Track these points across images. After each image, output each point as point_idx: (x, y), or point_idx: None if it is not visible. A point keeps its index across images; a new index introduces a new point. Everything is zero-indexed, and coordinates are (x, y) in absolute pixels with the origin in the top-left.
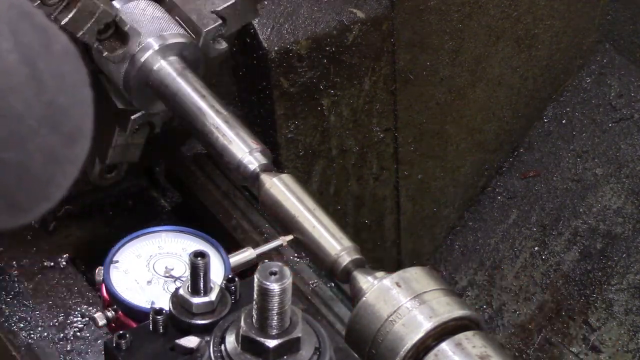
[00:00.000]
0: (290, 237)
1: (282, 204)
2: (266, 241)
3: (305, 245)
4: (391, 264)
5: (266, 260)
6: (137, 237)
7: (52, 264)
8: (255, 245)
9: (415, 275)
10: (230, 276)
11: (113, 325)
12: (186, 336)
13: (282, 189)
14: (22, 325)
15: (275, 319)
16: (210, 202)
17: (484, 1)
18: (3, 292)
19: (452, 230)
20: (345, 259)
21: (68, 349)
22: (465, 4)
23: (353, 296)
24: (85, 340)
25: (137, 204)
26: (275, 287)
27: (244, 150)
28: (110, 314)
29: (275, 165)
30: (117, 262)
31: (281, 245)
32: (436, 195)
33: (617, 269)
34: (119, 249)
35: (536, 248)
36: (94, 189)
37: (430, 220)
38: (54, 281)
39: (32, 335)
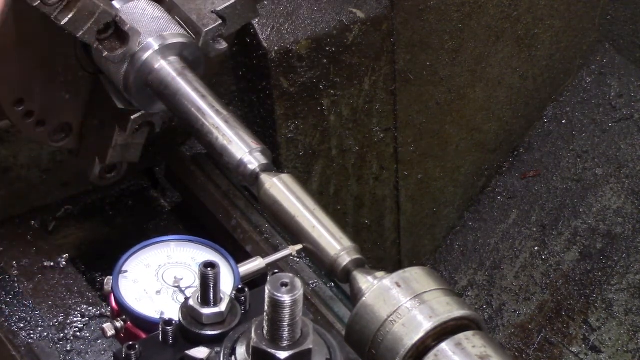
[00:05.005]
0: (299, 247)
1: (282, 204)
2: (266, 241)
3: (305, 245)
4: (391, 264)
5: (277, 271)
6: (146, 246)
7: (52, 264)
8: (256, 246)
9: (415, 275)
10: (240, 286)
11: (122, 335)
12: (196, 347)
13: (282, 189)
14: (22, 325)
15: (287, 330)
16: (210, 202)
17: (484, 1)
18: (3, 292)
19: (452, 230)
20: (345, 259)
21: (68, 349)
22: (465, 4)
23: (353, 296)
24: (85, 340)
25: (137, 204)
26: (286, 298)
27: (244, 150)
28: (119, 324)
29: (275, 165)
30: (126, 272)
31: (290, 255)
32: (436, 195)
33: (617, 269)
34: (127, 258)
35: (536, 248)
36: (94, 189)
37: (430, 220)
38: (54, 281)
39: (32, 335)
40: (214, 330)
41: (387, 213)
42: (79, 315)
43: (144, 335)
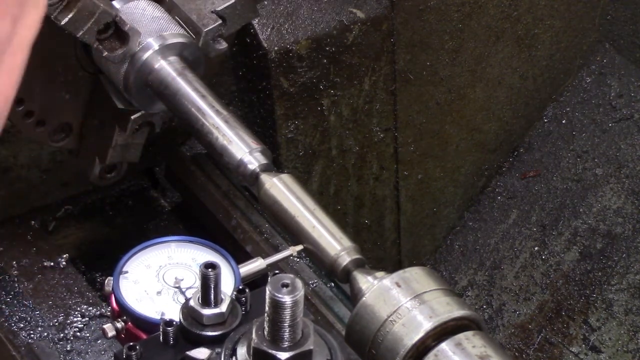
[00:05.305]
0: (299, 247)
1: (282, 204)
2: (266, 241)
3: (305, 246)
4: (391, 264)
5: (277, 272)
6: (147, 247)
7: (52, 264)
8: (256, 246)
9: (415, 275)
10: (240, 287)
11: (122, 336)
12: (196, 348)
13: (282, 189)
14: (22, 325)
15: (287, 331)
16: (210, 202)
17: (484, 1)
18: (3, 292)
19: (452, 230)
20: (345, 259)
21: (68, 349)
22: (465, 4)
23: (353, 296)
24: (85, 340)
25: (137, 204)
26: (287, 299)
27: (244, 150)
28: (119, 324)
29: (275, 165)
30: (126, 272)
31: (291, 256)
32: (436, 195)
33: (617, 269)
34: (128, 259)
35: (536, 248)
36: (94, 189)
37: (430, 220)
38: (54, 281)
39: (32, 335)
40: (214, 331)
41: (387, 213)
42: (79, 315)
43: (144, 336)
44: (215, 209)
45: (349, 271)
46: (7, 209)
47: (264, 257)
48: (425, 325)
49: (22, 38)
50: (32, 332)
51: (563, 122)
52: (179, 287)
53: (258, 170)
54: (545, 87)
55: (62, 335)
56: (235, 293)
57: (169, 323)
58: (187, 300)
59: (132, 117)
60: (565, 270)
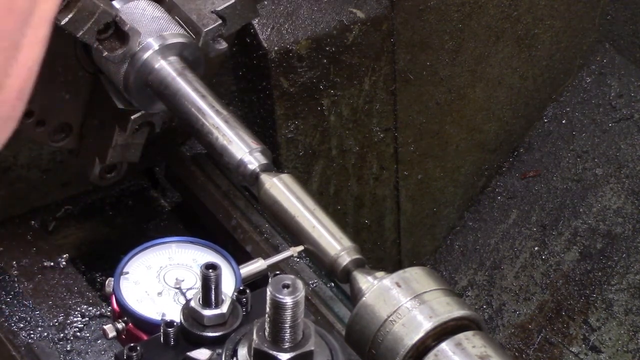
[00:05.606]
0: (300, 248)
1: (282, 204)
2: (266, 241)
3: (305, 246)
4: (391, 264)
5: (278, 273)
6: (147, 248)
7: (52, 264)
8: (256, 246)
9: (415, 275)
10: (241, 288)
11: (123, 337)
12: (197, 349)
13: (282, 189)
14: (22, 325)
15: (288, 332)
16: (210, 202)
17: (484, 1)
18: (3, 292)
19: (452, 230)
20: (345, 259)
21: (68, 349)
22: (465, 4)
23: (353, 296)
24: (85, 340)
25: (137, 204)
26: (288, 300)
27: (244, 150)
28: (120, 325)
29: (275, 165)
30: (127, 273)
31: (291, 257)
32: (436, 195)
33: (617, 269)
34: (129, 260)
35: (536, 248)
36: (94, 189)
37: (430, 220)
38: (54, 281)
39: (32, 335)
40: (215, 332)
41: (387, 213)
42: (79, 315)
43: (145, 337)
44: (215, 209)
45: (349, 271)
46: (7, 209)
47: (264, 258)
48: (425, 325)
49: (43, 11)
50: (32, 332)
51: (563, 122)
52: (179, 288)
53: (258, 170)
54: (545, 87)
55: (62, 335)
56: (236, 294)
57: (170, 324)
58: (188, 301)
59: (132, 117)
60: (565, 270)
